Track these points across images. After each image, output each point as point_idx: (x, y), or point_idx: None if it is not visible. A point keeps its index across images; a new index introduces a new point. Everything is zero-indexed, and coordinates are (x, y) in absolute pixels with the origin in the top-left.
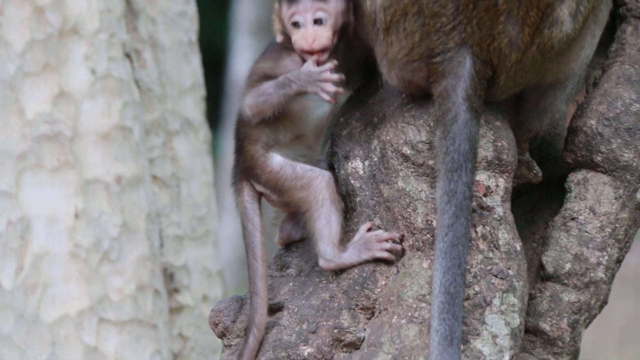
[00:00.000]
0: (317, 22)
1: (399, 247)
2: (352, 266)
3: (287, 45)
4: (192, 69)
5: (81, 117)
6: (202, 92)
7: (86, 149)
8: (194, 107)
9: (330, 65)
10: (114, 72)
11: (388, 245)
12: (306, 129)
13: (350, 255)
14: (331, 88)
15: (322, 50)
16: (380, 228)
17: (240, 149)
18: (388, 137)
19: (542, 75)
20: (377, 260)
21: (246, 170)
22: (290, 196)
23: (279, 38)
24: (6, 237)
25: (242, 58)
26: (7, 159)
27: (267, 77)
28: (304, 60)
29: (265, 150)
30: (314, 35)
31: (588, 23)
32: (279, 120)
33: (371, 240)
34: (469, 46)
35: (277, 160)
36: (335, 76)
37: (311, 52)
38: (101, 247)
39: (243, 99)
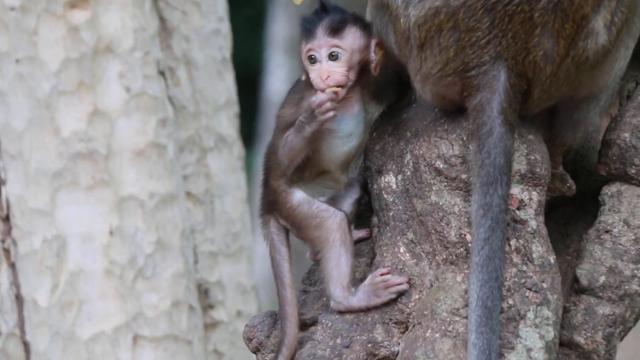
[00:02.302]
0: (332, 57)
1: (406, 287)
2: (361, 310)
3: (307, 85)
4: (226, 86)
5: (116, 135)
6: (235, 109)
7: (121, 167)
8: (228, 123)
9: (330, 105)
10: (148, 90)
11: (395, 289)
12: (332, 165)
13: (359, 300)
14: (327, 110)
15: (337, 86)
16: (414, 243)
17: (265, 182)
18: (421, 152)
19: (576, 88)
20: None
21: (270, 204)
22: (305, 234)
23: (304, 76)
24: (42, 255)
25: (277, 76)
26: (43, 177)
27: (291, 124)
28: None
29: (288, 185)
30: (328, 71)
31: (621, 35)
32: (306, 158)
33: (379, 287)
34: (504, 59)
35: (297, 197)
36: (330, 114)
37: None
38: (136, 264)
39: (277, 151)
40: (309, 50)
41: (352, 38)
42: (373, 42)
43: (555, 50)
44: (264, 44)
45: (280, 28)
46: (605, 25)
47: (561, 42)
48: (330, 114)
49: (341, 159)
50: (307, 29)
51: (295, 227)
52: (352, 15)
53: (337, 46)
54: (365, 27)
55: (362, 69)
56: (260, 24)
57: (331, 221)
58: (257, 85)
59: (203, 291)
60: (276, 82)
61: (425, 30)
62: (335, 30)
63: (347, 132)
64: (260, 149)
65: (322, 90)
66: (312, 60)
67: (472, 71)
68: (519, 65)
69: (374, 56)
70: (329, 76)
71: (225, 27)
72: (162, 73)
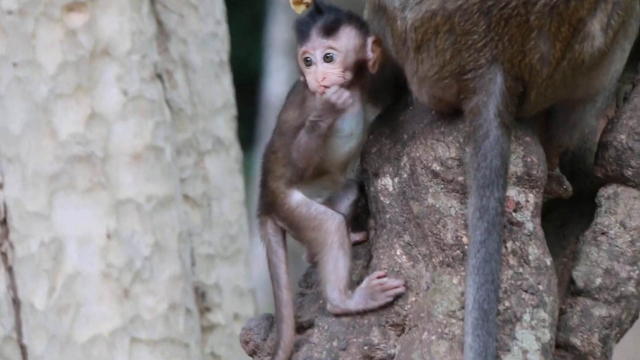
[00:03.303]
0: (327, 59)
1: (403, 290)
2: (358, 313)
3: (307, 86)
4: (223, 89)
5: (113, 138)
6: (233, 111)
7: (118, 170)
8: (226, 126)
9: (347, 94)
10: (145, 93)
11: (392, 292)
12: (332, 165)
13: (356, 303)
14: (347, 97)
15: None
16: (410, 245)
17: (264, 184)
18: (418, 154)
19: (573, 90)
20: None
21: (268, 205)
22: (303, 235)
23: (302, 77)
24: (39, 258)
25: (276, 78)
26: (40, 180)
27: (298, 128)
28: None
29: (287, 186)
30: (324, 73)
31: (618, 37)
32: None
33: (376, 290)
34: (500, 62)
35: (295, 198)
36: (350, 102)
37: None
38: (133, 266)
39: (290, 155)
40: (304, 52)
41: (346, 38)
42: (370, 40)
43: (551, 53)
44: (263, 46)
45: (279, 31)
46: (601, 27)
47: (557, 45)
48: (349, 102)
49: (342, 160)
50: (301, 31)
51: (293, 229)
52: (347, 14)
53: (332, 47)
54: (361, 26)
55: (360, 67)
56: (260, 26)
57: (329, 223)
58: (257, 88)
59: (200, 294)
60: (275, 84)
61: (422, 32)
62: (329, 31)
63: (349, 132)
64: (259, 151)
65: (322, 93)
66: (308, 62)
67: (468, 74)
68: (515, 68)
69: (370, 54)
70: (324, 78)
71: (223, 30)
72: (159, 76)
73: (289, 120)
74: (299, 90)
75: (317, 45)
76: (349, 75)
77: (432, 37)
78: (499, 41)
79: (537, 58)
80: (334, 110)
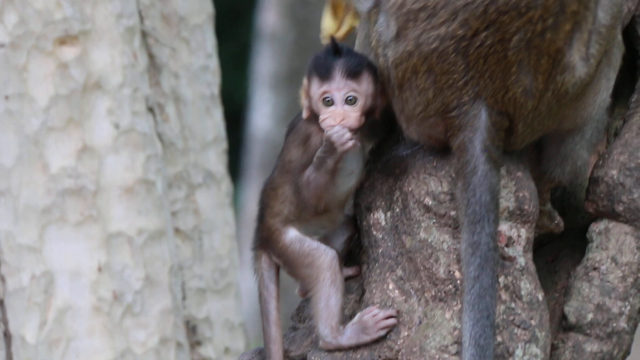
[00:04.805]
0: (348, 101)
1: (395, 322)
2: (351, 348)
3: (311, 123)
4: (214, 123)
5: (105, 171)
6: (224, 145)
7: (109, 203)
8: (216, 160)
9: (348, 134)
10: (137, 126)
11: (384, 324)
12: (332, 204)
13: (348, 338)
14: (347, 139)
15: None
16: (403, 280)
17: (261, 219)
18: (410, 188)
19: (560, 121)
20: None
21: (263, 240)
22: (297, 272)
23: (305, 114)
24: (30, 292)
25: (261, 111)
26: (32, 214)
27: (304, 165)
28: None
29: (283, 224)
30: (344, 114)
31: (602, 66)
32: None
33: (369, 324)
34: (484, 99)
35: (290, 236)
36: (351, 143)
37: None
38: (124, 300)
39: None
40: (325, 92)
41: (366, 83)
42: (380, 89)
43: (534, 85)
44: (249, 79)
45: (264, 64)
46: (581, 57)
47: (539, 77)
48: (351, 142)
49: (341, 198)
50: (323, 71)
51: (288, 265)
52: (366, 59)
53: (355, 90)
54: (375, 72)
55: (370, 113)
56: (245, 59)
57: (322, 260)
58: (242, 121)
59: (191, 328)
60: (261, 117)
61: (402, 71)
62: (354, 75)
63: (349, 171)
64: (244, 184)
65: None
66: (327, 102)
67: (453, 112)
68: (499, 103)
69: (380, 102)
70: (343, 119)
71: (214, 63)
72: (151, 109)
73: (292, 159)
74: (301, 128)
75: (341, 86)
76: (363, 120)
77: (412, 76)
78: (480, 78)
79: (520, 91)
80: (334, 148)
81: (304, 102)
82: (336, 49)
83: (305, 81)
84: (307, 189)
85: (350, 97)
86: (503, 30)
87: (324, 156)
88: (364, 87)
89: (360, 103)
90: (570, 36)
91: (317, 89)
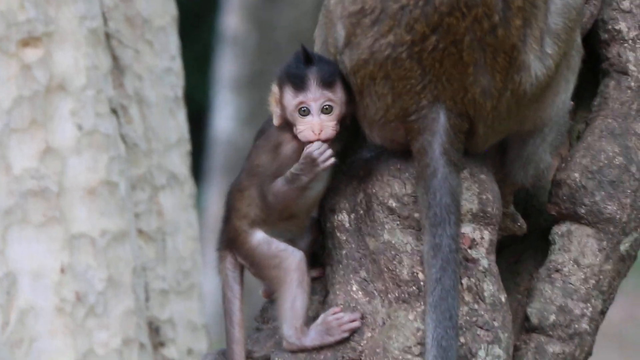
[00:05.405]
0: (324, 110)
1: (359, 325)
2: (314, 349)
3: (283, 131)
4: (178, 124)
5: (68, 172)
6: (187, 146)
7: (72, 204)
8: (180, 161)
9: (329, 152)
10: (100, 127)
11: (348, 326)
12: (299, 210)
13: (312, 340)
14: (328, 157)
15: (326, 141)
16: (367, 281)
17: (226, 220)
18: (374, 190)
19: (521, 122)
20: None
21: (229, 241)
22: (264, 273)
23: (277, 122)
24: None
25: (223, 114)
26: None
27: (274, 173)
28: (301, 144)
29: (249, 226)
30: (321, 125)
31: (561, 68)
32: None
33: (332, 325)
34: (443, 101)
35: (257, 237)
36: (332, 161)
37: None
38: (87, 301)
39: (267, 196)
40: (301, 103)
41: (340, 91)
42: (349, 97)
43: (492, 85)
44: (211, 82)
45: (227, 66)
46: (536, 56)
47: (497, 76)
48: (330, 161)
49: (308, 204)
50: (297, 81)
51: (254, 267)
52: (336, 65)
53: (331, 100)
54: (344, 80)
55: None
56: (207, 62)
57: (290, 261)
58: (204, 124)
59: (154, 329)
60: (223, 120)
61: (360, 78)
62: (329, 84)
63: (320, 181)
64: (207, 187)
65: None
66: (303, 112)
67: (412, 116)
68: (459, 105)
69: (351, 108)
70: (321, 130)
71: (178, 65)
72: (114, 111)
73: (261, 164)
74: (272, 134)
75: (317, 97)
76: (338, 128)
77: (370, 82)
78: (438, 82)
79: (479, 92)
80: (314, 165)
81: (274, 110)
82: (307, 56)
83: (275, 89)
84: (274, 198)
85: (327, 107)
86: (453, 32)
87: (300, 173)
88: (339, 95)
89: (336, 112)
90: (523, 32)
91: (291, 99)
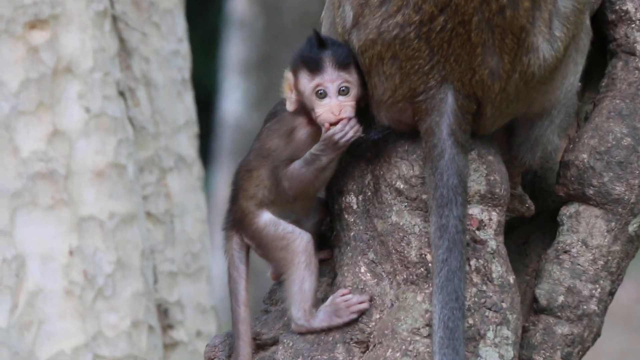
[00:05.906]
0: (341, 92)
1: (367, 306)
2: (323, 330)
3: (297, 116)
4: (186, 107)
5: (75, 155)
6: (195, 129)
7: (80, 187)
8: (188, 144)
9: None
10: (108, 110)
11: (356, 308)
12: (313, 191)
13: (321, 321)
14: (350, 136)
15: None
16: (375, 263)
17: (234, 200)
18: (381, 172)
19: (529, 104)
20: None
21: (236, 222)
22: (271, 255)
23: (292, 108)
24: (1, 275)
25: (231, 97)
26: (2, 197)
27: (287, 158)
28: (318, 128)
29: (257, 207)
30: (340, 106)
31: (569, 51)
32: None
33: (341, 307)
34: (450, 82)
35: (264, 218)
36: (352, 134)
37: (336, 123)
38: (96, 283)
39: (281, 181)
40: (318, 85)
41: (355, 72)
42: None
43: (500, 66)
44: (218, 65)
45: (234, 50)
46: (545, 39)
47: (505, 57)
48: (355, 136)
49: (317, 187)
50: (313, 63)
51: (261, 248)
52: (349, 47)
53: (348, 81)
54: (358, 62)
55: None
56: (215, 45)
57: (297, 243)
58: (212, 107)
59: (163, 311)
60: (231, 103)
61: (368, 58)
62: (345, 65)
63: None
64: (214, 169)
65: (334, 124)
66: (321, 95)
67: (420, 96)
68: (467, 86)
69: (364, 92)
70: (340, 111)
71: (185, 48)
72: (121, 94)
73: (273, 148)
74: (285, 118)
75: (334, 78)
76: (355, 109)
77: (379, 62)
78: (446, 62)
79: (487, 73)
80: (336, 147)
81: (289, 95)
82: (320, 40)
83: (289, 75)
84: (290, 181)
85: (343, 88)
86: (461, 12)
87: (320, 154)
88: (355, 76)
89: (353, 93)
90: (532, 14)
91: (308, 82)
